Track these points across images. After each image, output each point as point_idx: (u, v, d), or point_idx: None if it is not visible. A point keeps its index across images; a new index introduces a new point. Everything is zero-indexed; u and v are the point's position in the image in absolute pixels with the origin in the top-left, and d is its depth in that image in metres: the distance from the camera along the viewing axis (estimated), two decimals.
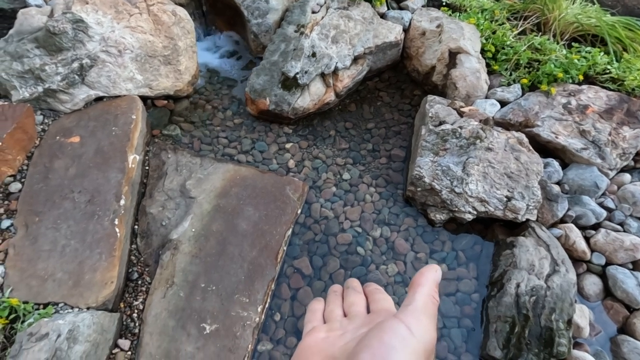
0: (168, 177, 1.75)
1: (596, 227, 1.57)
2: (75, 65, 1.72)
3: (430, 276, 0.38)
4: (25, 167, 1.60)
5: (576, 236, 1.52)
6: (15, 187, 1.53)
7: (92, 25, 1.76)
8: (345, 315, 0.43)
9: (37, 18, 1.75)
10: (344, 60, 2.01)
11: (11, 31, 1.75)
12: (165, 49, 1.94)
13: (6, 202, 1.51)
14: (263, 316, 1.41)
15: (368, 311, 0.42)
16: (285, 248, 1.58)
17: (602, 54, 1.88)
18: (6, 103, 1.67)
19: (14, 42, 1.70)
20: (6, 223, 1.44)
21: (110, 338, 1.26)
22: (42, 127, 1.72)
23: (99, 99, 1.85)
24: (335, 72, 2.03)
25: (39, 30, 1.71)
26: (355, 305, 0.43)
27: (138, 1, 1.92)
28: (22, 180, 1.57)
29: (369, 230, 1.68)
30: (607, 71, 1.85)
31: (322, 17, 2.12)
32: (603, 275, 1.50)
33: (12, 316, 1.20)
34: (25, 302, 1.23)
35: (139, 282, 1.46)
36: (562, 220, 1.58)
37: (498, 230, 1.64)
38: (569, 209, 1.58)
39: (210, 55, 2.38)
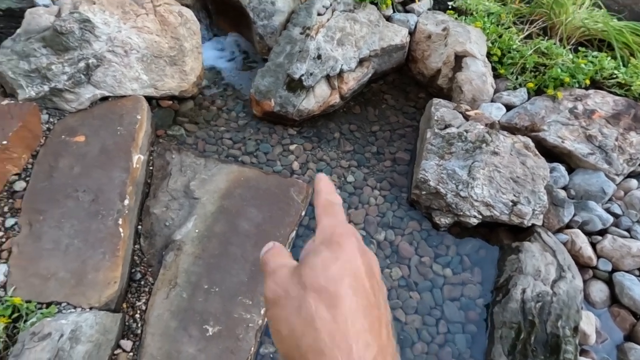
0: (172, 178, 1.74)
1: (602, 233, 1.56)
2: (82, 64, 1.73)
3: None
4: (30, 166, 1.60)
5: (582, 242, 1.50)
6: (20, 185, 1.53)
7: (99, 25, 1.76)
8: None
9: (45, 18, 1.76)
10: (349, 62, 2.01)
11: (19, 30, 1.75)
12: (171, 50, 1.94)
13: (10, 200, 1.50)
14: (265, 319, 1.40)
15: None
16: (289, 250, 1.57)
17: (609, 59, 1.87)
18: (12, 102, 1.67)
19: (21, 42, 1.70)
20: (10, 221, 1.44)
21: (112, 338, 1.25)
22: (47, 125, 1.72)
23: (104, 98, 1.85)
24: (340, 74, 2.02)
25: (46, 29, 1.71)
26: None
27: (145, 2, 1.92)
28: (27, 178, 1.57)
29: (373, 233, 1.67)
30: (614, 76, 1.84)
31: (328, 20, 2.12)
32: (609, 282, 1.48)
33: (14, 315, 1.19)
34: (28, 301, 1.22)
35: (142, 282, 1.46)
36: (568, 226, 1.57)
37: (503, 235, 1.63)
38: (575, 215, 1.56)
39: (215, 56, 2.39)
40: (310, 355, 0.26)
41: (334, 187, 0.38)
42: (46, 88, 1.70)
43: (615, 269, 1.49)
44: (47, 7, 1.87)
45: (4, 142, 1.52)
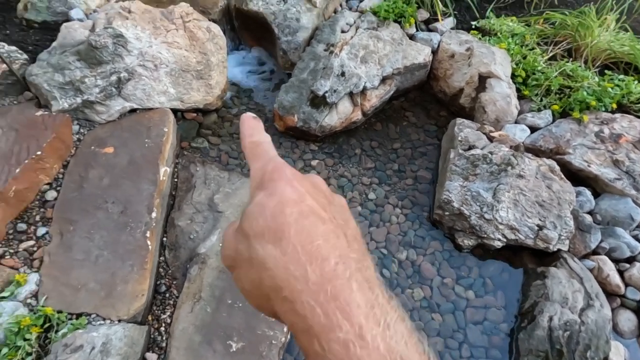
0: (196, 190, 1.77)
1: (630, 260, 1.53)
2: (114, 78, 1.78)
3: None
4: (61, 176, 1.64)
5: (610, 269, 1.48)
6: (51, 195, 1.57)
7: (131, 40, 1.81)
8: None
9: (80, 32, 1.82)
10: (372, 80, 2.03)
11: (54, 44, 1.81)
12: (198, 64, 1.98)
13: (42, 209, 1.54)
14: (288, 336, 1.41)
15: None
16: None
17: (636, 82, 1.86)
18: (46, 113, 1.72)
19: (56, 55, 1.76)
20: (42, 230, 1.48)
21: (138, 351, 1.26)
22: (78, 136, 1.77)
23: (132, 110, 1.89)
24: (363, 91, 2.04)
25: (80, 43, 1.77)
26: None
27: (175, 17, 1.98)
28: (58, 188, 1.60)
29: (395, 252, 1.67)
30: None
31: (352, 37, 2.15)
32: (638, 311, 1.45)
33: (46, 325, 1.22)
34: (59, 312, 1.25)
35: (167, 295, 1.48)
36: (595, 252, 1.55)
37: (527, 259, 1.61)
38: (602, 241, 1.54)
39: (238, 70, 2.43)
40: (272, 294, 0.25)
41: (259, 124, 0.36)
42: (79, 100, 1.75)
43: None
44: (81, 22, 1.93)
45: (38, 153, 1.56)
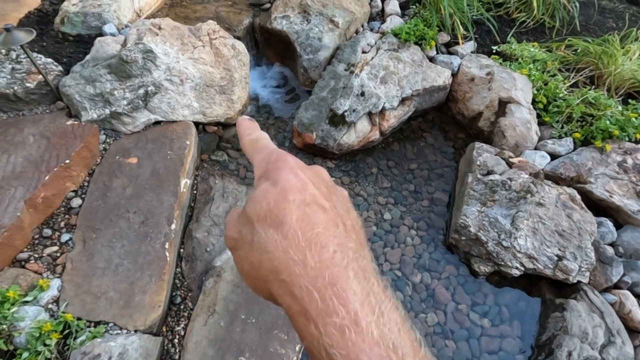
0: (214, 203, 1.80)
1: None
2: (141, 91, 1.84)
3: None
4: (86, 184, 1.70)
5: (632, 305, 1.44)
6: (76, 202, 1.63)
7: (160, 55, 1.88)
8: None
9: (112, 46, 1.90)
10: (391, 101, 2.05)
11: (87, 57, 1.90)
12: (222, 80, 2.04)
13: (67, 216, 1.59)
14: (300, 355, 1.40)
15: None
16: None
17: None
18: (76, 122, 1.79)
19: (89, 67, 1.84)
20: (66, 237, 1.52)
21: None
22: (103, 145, 1.83)
23: (156, 122, 1.95)
24: (382, 111, 2.06)
25: (112, 57, 1.85)
26: None
27: (202, 34, 2.05)
28: (83, 196, 1.66)
29: (409, 274, 1.65)
30: None
31: (372, 58, 2.18)
32: None
33: (65, 331, 1.24)
34: (79, 319, 1.28)
35: (182, 306, 1.49)
36: (616, 286, 1.51)
37: (545, 288, 1.58)
38: (624, 274, 1.50)
39: (259, 85, 2.49)
40: (271, 276, 0.26)
41: (254, 124, 0.37)
42: (107, 111, 1.82)
43: None
44: (114, 37, 2.02)
45: (67, 161, 1.62)
